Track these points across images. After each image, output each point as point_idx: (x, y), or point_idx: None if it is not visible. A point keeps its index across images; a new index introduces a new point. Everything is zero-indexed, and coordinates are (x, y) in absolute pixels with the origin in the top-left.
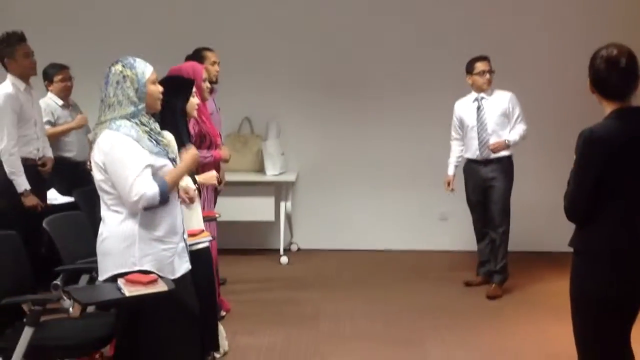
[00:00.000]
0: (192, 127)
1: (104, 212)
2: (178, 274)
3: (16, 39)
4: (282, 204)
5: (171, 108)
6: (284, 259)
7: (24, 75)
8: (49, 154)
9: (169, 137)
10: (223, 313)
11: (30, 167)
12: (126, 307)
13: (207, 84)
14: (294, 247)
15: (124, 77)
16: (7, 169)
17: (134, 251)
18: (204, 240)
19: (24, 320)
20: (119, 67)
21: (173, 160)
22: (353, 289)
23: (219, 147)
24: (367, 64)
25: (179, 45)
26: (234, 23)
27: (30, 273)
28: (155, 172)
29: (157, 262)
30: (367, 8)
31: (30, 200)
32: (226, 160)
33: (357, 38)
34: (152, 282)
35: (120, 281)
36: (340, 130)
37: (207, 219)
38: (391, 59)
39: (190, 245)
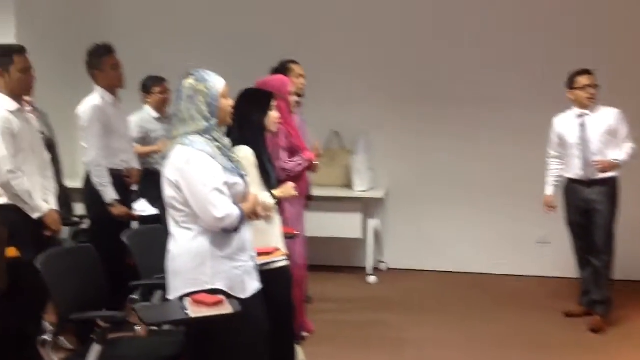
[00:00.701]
0: (283, 142)
1: (173, 229)
2: (249, 293)
3: (104, 51)
4: (370, 221)
5: (250, 122)
6: (371, 278)
7: (111, 87)
8: (135, 165)
9: (242, 153)
10: (305, 334)
11: (116, 177)
12: (195, 327)
13: (294, 97)
14: (383, 266)
15: (196, 91)
16: (94, 180)
17: (205, 269)
18: (277, 260)
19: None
20: (191, 80)
21: (244, 177)
22: (442, 314)
23: None
24: (462, 78)
25: (263, 56)
26: (322, 34)
27: (105, 287)
28: (228, 190)
29: (228, 281)
30: (465, 16)
31: (118, 210)
32: (316, 164)
33: (451, 51)
34: (218, 303)
35: (187, 301)
36: (433, 146)
37: (288, 236)
38: (487, 73)
39: (264, 264)
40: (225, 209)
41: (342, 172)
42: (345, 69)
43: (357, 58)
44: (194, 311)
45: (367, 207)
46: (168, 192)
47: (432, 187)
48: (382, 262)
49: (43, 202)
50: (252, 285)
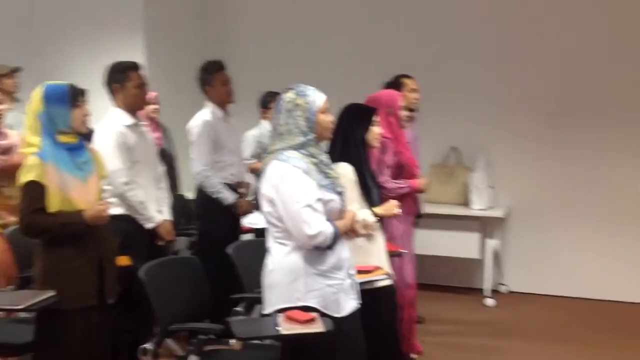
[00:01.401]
0: (390, 159)
1: (270, 243)
2: (344, 312)
3: (215, 68)
4: (489, 241)
5: (352, 138)
6: (489, 301)
7: (222, 103)
8: (246, 179)
9: (342, 169)
10: (414, 356)
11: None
12: (289, 343)
13: (405, 112)
14: (503, 289)
15: (295, 105)
16: (208, 190)
17: (298, 286)
18: (378, 279)
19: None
20: (290, 94)
21: (340, 194)
22: (567, 343)
23: (416, 178)
24: (592, 89)
25: (380, 71)
26: (440, 49)
27: (208, 298)
28: (323, 207)
29: (322, 299)
30: (598, 35)
31: (243, 205)
32: (422, 191)
33: (580, 65)
34: (310, 321)
35: (280, 317)
36: (559, 163)
37: (392, 254)
38: (619, 84)
39: (364, 283)
40: (318, 226)
41: (459, 190)
42: (464, 83)
43: (475, 73)
44: (286, 328)
45: (486, 226)
46: (265, 207)
47: (558, 207)
48: (503, 284)
49: (157, 212)
50: (349, 304)
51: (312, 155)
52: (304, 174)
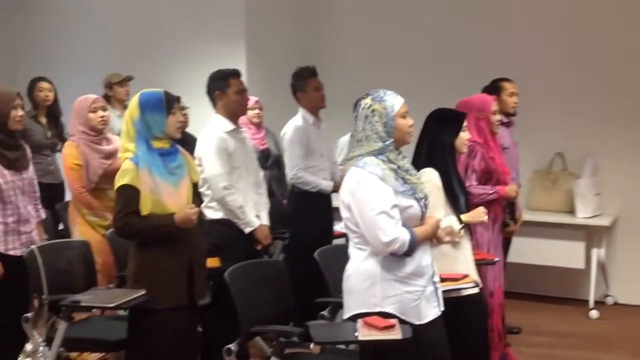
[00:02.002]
0: (478, 164)
1: (350, 248)
2: (425, 320)
3: (308, 74)
4: (594, 251)
5: (439, 143)
6: (593, 313)
7: (314, 109)
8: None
9: (427, 175)
10: None
11: (318, 195)
12: (368, 349)
13: (498, 117)
14: (609, 301)
15: (372, 111)
16: (307, 187)
17: (375, 291)
18: (465, 286)
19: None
20: (368, 100)
21: (420, 200)
22: None
23: (506, 185)
24: None
25: (477, 73)
26: (542, 53)
27: (293, 302)
28: (400, 213)
29: (399, 305)
30: None
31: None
32: (511, 198)
33: None
34: (389, 327)
35: (359, 322)
36: None
37: (484, 262)
38: None
39: (449, 290)
40: (393, 233)
41: (564, 197)
42: (571, 86)
43: (583, 76)
44: (364, 334)
45: (591, 235)
46: (344, 213)
47: None
48: (609, 295)
49: (255, 217)
50: (430, 312)
51: (390, 161)
52: (380, 180)
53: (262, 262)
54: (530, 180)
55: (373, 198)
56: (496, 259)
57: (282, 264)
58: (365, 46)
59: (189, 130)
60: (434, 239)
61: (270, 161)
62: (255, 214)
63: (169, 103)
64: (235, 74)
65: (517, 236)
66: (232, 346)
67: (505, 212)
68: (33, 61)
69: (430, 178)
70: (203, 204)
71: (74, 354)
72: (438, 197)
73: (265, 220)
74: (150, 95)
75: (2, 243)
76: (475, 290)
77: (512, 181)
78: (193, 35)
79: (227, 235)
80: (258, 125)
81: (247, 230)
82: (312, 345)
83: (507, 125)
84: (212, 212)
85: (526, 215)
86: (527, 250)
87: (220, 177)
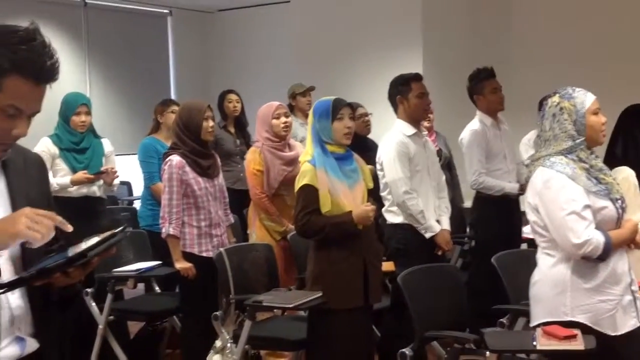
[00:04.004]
0: None
1: (538, 254)
2: (621, 331)
3: (485, 75)
4: None
5: (634, 140)
6: None
7: (491, 111)
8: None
9: (622, 174)
10: None
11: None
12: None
13: None
14: None
15: (560, 109)
16: (490, 192)
17: (564, 300)
18: None
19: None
20: (555, 98)
21: (616, 201)
22: None
23: None
24: None
25: None
26: None
27: (468, 308)
28: (594, 215)
29: (592, 315)
30: None
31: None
32: None
33: None
34: (570, 337)
35: (538, 331)
36: None
37: None
38: None
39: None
40: (586, 235)
41: None
42: None
43: None
44: (542, 343)
45: None
46: (530, 216)
47: None
48: None
49: (435, 222)
50: (628, 322)
51: (581, 160)
52: (570, 179)
53: (436, 266)
54: None
55: (562, 198)
56: None
57: (457, 269)
58: (557, 46)
59: (370, 136)
60: (631, 244)
61: (441, 163)
62: (435, 218)
63: (335, 110)
64: (417, 77)
65: None
66: (407, 350)
67: None
68: (223, 75)
69: (626, 176)
70: (384, 208)
71: (263, 352)
72: (635, 197)
73: (446, 225)
74: (321, 103)
75: (196, 245)
76: None
77: None
78: (371, 43)
79: (408, 239)
80: (428, 129)
81: (428, 235)
82: (487, 353)
83: None
84: (393, 217)
85: None
86: None
87: (400, 181)
